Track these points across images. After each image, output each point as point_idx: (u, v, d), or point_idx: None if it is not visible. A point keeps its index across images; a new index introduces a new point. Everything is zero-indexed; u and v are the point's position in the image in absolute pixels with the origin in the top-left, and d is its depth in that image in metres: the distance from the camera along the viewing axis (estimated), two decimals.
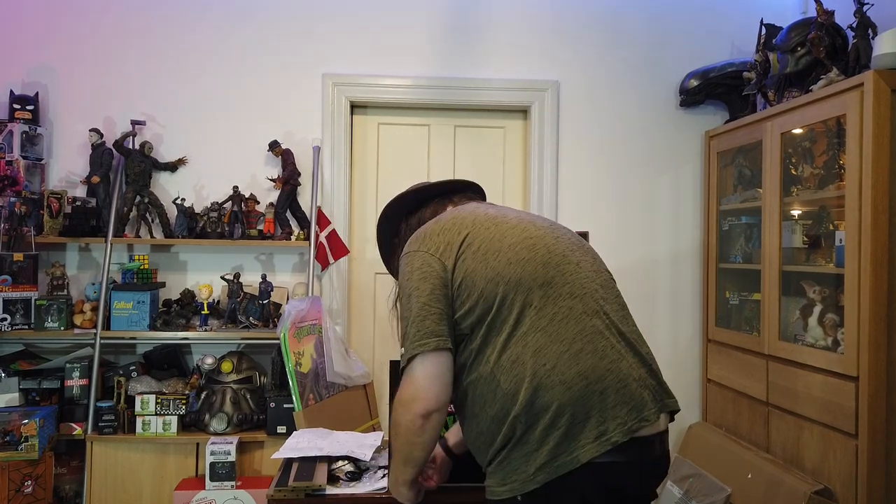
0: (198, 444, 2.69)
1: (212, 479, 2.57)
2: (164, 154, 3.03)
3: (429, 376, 1.33)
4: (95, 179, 2.87)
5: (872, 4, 2.35)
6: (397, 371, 1.75)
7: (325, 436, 2.04)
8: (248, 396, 2.77)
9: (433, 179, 1.75)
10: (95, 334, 2.76)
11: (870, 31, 2.32)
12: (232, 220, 2.92)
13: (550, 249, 1.40)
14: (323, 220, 3.01)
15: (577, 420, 1.28)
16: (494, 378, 1.34)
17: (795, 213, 2.60)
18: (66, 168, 3.00)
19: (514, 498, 1.32)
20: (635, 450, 1.30)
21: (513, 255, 1.37)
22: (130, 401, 2.71)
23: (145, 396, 2.69)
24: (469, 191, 1.70)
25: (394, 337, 3.38)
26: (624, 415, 1.30)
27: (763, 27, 2.81)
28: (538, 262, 1.37)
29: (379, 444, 1.97)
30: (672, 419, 1.42)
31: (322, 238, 2.99)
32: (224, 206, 2.94)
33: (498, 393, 1.33)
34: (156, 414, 2.68)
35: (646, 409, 1.32)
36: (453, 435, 1.69)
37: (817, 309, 2.42)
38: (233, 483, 2.57)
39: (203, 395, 2.75)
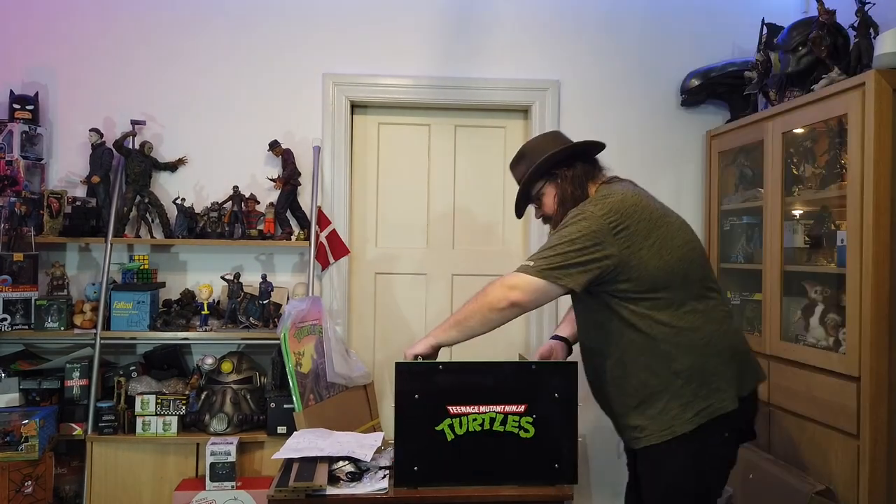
0: (198, 445, 2.68)
1: (212, 480, 2.57)
2: (164, 154, 3.03)
3: (542, 294, 1.70)
4: (95, 179, 2.86)
5: (874, 4, 2.34)
6: (402, 373, 1.75)
7: (326, 436, 2.04)
8: (249, 397, 2.77)
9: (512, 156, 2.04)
10: (95, 334, 2.76)
11: (871, 30, 2.31)
12: (232, 220, 2.91)
13: (702, 252, 1.84)
14: (323, 220, 3.00)
15: (723, 380, 1.74)
16: (655, 341, 1.73)
17: (797, 212, 2.60)
18: (66, 168, 3.00)
19: (670, 439, 1.72)
20: (750, 400, 1.82)
21: (682, 254, 1.75)
22: (130, 401, 2.71)
23: (145, 397, 2.68)
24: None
25: (393, 338, 3.38)
26: (750, 377, 1.82)
27: (764, 26, 2.80)
28: (698, 263, 1.80)
29: (379, 444, 1.97)
30: None
31: (322, 238, 2.99)
32: (224, 206, 2.93)
33: (657, 353, 1.73)
34: (156, 414, 2.68)
35: (760, 373, 1.89)
36: (567, 327, 2.09)
37: (819, 309, 2.42)
38: (233, 483, 2.57)
39: (203, 396, 2.74)
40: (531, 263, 1.70)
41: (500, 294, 1.70)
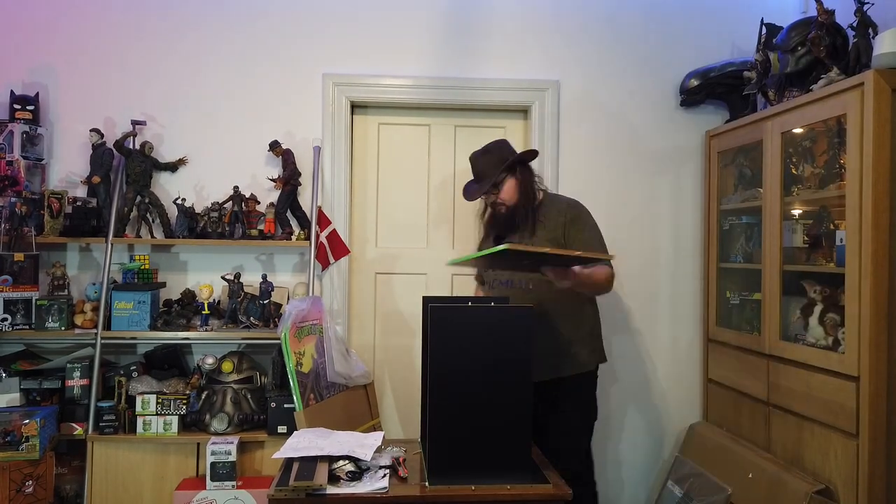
0: (198, 444, 2.69)
1: (212, 479, 2.57)
2: (165, 154, 3.04)
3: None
4: (96, 179, 2.87)
5: (873, 4, 2.35)
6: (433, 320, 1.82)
7: (326, 436, 2.05)
8: (249, 396, 2.77)
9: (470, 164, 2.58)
10: (96, 334, 2.76)
11: (870, 30, 2.31)
12: (232, 220, 2.92)
13: None
14: (323, 220, 3.01)
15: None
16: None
17: (796, 212, 2.60)
18: (67, 168, 3.00)
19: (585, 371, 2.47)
20: None
21: None
22: (131, 401, 2.71)
23: (146, 396, 2.69)
24: None
25: (392, 338, 3.37)
26: None
27: (763, 27, 2.80)
28: None
29: (379, 443, 1.97)
30: None
31: (322, 238, 2.99)
32: (224, 206, 2.94)
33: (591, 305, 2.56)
34: (156, 414, 2.69)
35: None
36: None
37: (818, 308, 2.42)
38: (233, 483, 2.57)
39: (204, 395, 2.75)
40: (607, 255, 2.24)
41: (612, 284, 2.34)
